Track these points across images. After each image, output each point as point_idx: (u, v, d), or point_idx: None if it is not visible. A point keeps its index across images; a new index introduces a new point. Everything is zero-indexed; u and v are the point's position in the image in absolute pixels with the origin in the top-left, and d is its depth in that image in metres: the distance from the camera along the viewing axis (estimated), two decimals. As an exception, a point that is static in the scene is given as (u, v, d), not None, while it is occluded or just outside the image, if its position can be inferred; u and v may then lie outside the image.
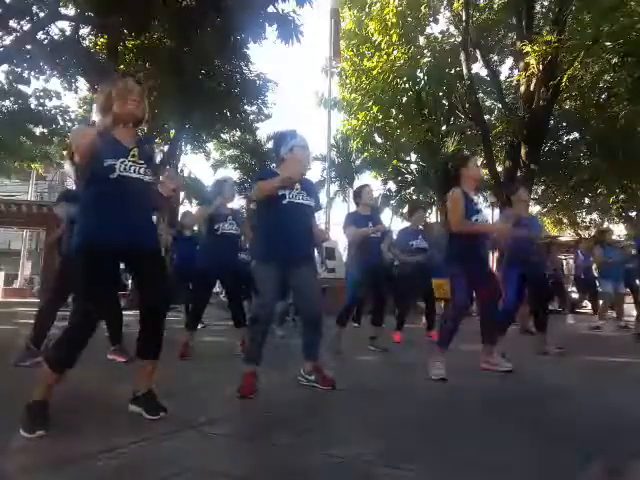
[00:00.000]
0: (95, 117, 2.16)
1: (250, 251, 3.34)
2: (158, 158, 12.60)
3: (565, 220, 20.19)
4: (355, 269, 4.42)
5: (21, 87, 10.07)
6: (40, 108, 10.97)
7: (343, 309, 4.44)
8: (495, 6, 12.96)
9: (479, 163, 3.77)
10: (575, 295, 9.65)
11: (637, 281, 7.01)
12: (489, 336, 3.45)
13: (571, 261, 9.61)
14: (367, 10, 12.45)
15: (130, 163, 2.08)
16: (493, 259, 7.52)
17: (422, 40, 12.87)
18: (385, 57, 12.01)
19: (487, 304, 3.44)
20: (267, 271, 2.69)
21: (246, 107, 13.94)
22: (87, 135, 1.97)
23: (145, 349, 2.19)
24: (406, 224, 6.74)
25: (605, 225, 17.35)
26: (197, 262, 4.25)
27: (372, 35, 12.08)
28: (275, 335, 5.40)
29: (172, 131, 13.82)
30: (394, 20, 11.53)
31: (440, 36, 13.30)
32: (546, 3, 13.02)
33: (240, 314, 4.15)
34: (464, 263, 3.25)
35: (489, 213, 13.42)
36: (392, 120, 13.63)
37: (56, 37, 9.42)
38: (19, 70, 9.55)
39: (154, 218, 2.34)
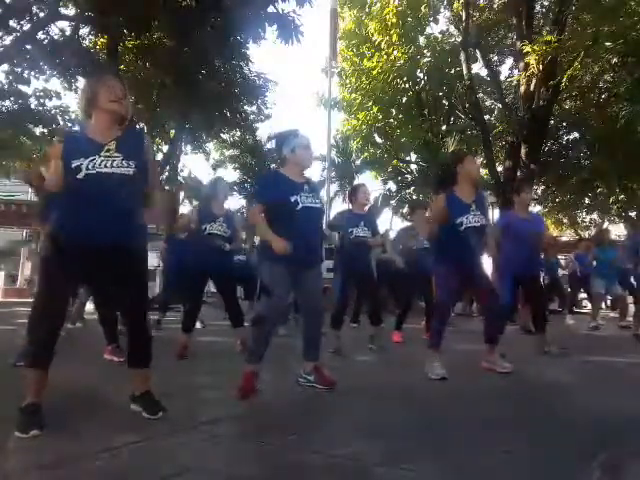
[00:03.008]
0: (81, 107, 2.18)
1: (258, 252, 3.30)
2: (159, 156, 12.64)
3: (565, 220, 20.19)
4: (341, 270, 4.43)
5: (21, 87, 10.06)
6: (40, 108, 10.95)
7: (334, 311, 4.44)
8: (495, 6, 12.96)
9: (478, 162, 3.73)
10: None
11: (632, 280, 6.99)
12: (490, 335, 3.45)
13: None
14: (367, 10, 12.45)
15: (102, 159, 2.03)
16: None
17: (422, 40, 12.85)
18: (385, 57, 12.01)
19: (488, 303, 3.43)
20: (278, 273, 2.67)
21: (246, 107, 13.93)
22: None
23: (133, 359, 2.19)
24: (406, 224, 6.73)
25: (605, 225, 17.35)
26: (187, 263, 4.25)
27: (372, 35, 12.07)
28: (277, 333, 5.40)
29: (172, 131, 13.82)
30: (394, 20, 11.52)
31: (440, 36, 13.29)
32: (546, 3, 13.03)
33: (238, 314, 4.14)
34: (447, 263, 3.26)
35: (489, 214, 13.41)
36: (392, 120, 13.61)
37: (56, 37, 9.42)
38: (19, 70, 9.54)
39: (139, 214, 2.20)
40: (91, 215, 2.01)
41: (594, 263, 7.58)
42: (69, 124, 11.76)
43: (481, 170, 13.57)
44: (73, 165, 2.00)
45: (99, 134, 2.10)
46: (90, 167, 2.00)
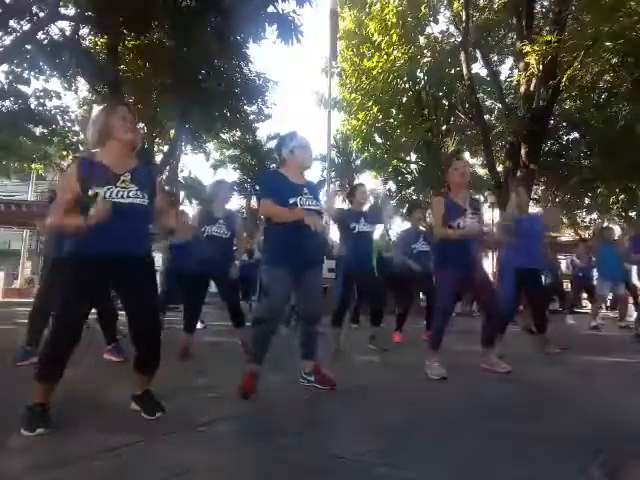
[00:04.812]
0: (89, 137, 2.18)
1: (261, 255, 3.29)
2: (159, 156, 12.62)
3: (565, 220, 20.20)
4: (343, 269, 4.43)
5: (21, 87, 10.04)
6: (40, 108, 10.94)
7: (335, 310, 4.44)
8: (495, 6, 12.96)
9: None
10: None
11: (637, 281, 7.00)
12: (488, 337, 3.45)
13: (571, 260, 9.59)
14: (367, 10, 12.45)
15: (118, 189, 2.06)
16: (493, 260, 7.49)
17: (422, 40, 12.85)
18: (385, 57, 12.01)
19: (488, 304, 3.43)
20: (279, 275, 2.68)
21: (246, 107, 13.92)
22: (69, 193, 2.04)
23: (142, 367, 2.20)
24: (406, 224, 6.74)
25: (605, 225, 17.34)
26: (188, 264, 4.25)
27: (372, 35, 12.07)
28: (279, 334, 5.40)
29: (172, 131, 13.81)
30: (394, 20, 11.53)
31: (440, 36, 13.29)
32: (546, 3, 13.02)
33: (238, 315, 4.15)
34: (451, 266, 3.26)
35: (489, 214, 13.37)
36: (392, 120, 13.62)
37: (56, 37, 9.41)
38: (19, 70, 9.53)
39: (149, 231, 2.28)
40: (107, 237, 2.02)
41: (595, 260, 7.57)
42: (69, 124, 11.76)
43: (480, 170, 13.61)
44: (90, 193, 2.01)
45: (113, 163, 2.11)
46: (107, 196, 2.02)
